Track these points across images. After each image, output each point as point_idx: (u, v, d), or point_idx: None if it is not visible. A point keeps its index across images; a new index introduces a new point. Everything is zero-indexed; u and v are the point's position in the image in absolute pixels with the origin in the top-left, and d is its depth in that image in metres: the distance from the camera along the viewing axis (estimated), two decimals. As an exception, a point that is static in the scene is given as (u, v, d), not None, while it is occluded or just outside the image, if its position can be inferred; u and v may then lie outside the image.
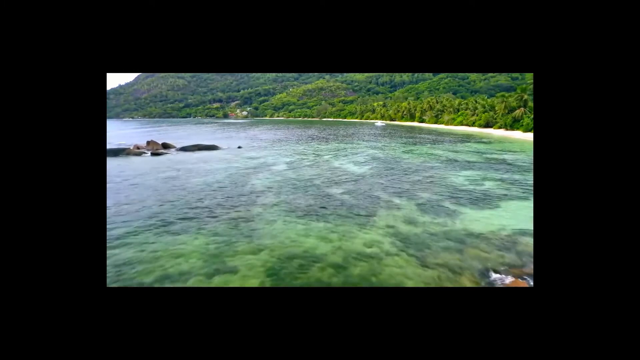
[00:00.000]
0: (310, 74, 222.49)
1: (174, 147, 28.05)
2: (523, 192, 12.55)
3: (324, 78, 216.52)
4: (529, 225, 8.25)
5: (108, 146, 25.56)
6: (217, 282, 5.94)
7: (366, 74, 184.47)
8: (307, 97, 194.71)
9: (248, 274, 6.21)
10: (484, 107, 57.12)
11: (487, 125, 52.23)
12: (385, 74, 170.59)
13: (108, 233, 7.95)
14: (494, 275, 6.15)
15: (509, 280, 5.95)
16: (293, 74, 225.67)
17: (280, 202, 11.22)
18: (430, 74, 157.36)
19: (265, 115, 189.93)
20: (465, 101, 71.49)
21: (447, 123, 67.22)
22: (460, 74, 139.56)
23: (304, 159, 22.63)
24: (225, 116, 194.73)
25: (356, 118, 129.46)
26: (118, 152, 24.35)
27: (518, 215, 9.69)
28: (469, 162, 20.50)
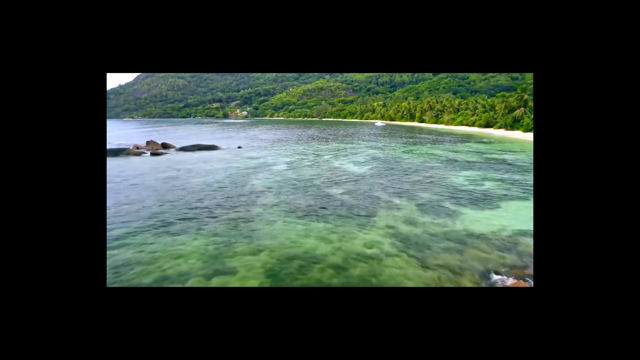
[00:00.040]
0: (310, 74, 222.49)
1: (173, 147, 28.05)
2: (523, 193, 12.55)
3: (324, 78, 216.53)
4: (530, 226, 8.24)
5: (108, 146, 25.56)
6: (217, 283, 5.93)
7: (366, 74, 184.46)
8: (307, 97, 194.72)
9: (247, 274, 6.20)
10: (484, 107, 57.12)
11: (487, 125, 52.23)
12: (385, 74, 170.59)
13: (107, 234, 7.94)
14: (495, 277, 6.11)
15: (510, 281, 5.91)
16: (293, 74, 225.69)
17: (280, 203, 11.22)
18: (430, 74, 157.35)
19: (265, 115, 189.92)
20: (465, 101, 71.49)
21: (447, 123, 67.22)
22: (460, 74, 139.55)
23: (303, 159, 22.63)
24: (225, 116, 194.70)
25: (356, 118, 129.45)
26: (118, 152, 24.35)
27: (518, 216, 9.68)
28: (469, 162, 20.50)
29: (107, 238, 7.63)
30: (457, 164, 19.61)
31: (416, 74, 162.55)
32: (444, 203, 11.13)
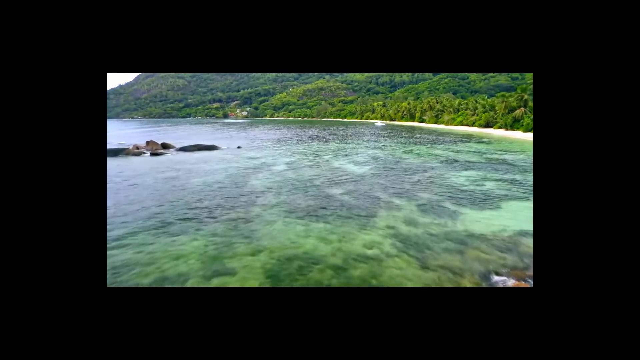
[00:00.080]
0: (310, 74, 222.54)
1: (173, 147, 28.04)
2: (524, 193, 12.55)
3: (324, 78, 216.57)
4: (531, 226, 8.23)
5: (108, 146, 25.55)
6: (216, 284, 5.91)
7: (366, 74, 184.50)
8: (307, 97, 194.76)
9: (247, 275, 6.18)
10: (484, 107, 57.12)
11: (487, 125, 52.22)
12: (385, 74, 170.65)
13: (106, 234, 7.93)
14: (495, 278, 6.08)
15: (511, 282, 5.88)
16: (293, 74, 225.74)
17: (280, 203, 11.22)
18: (430, 74, 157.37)
19: (265, 115, 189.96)
20: (465, 101, 71.49)
21: (447, 123, 67.22)
22: (460, 74, 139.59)
23: (303, 159, 22.63)
24: (225, 116, 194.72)
25: (356, 118, 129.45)
26: (117, 152, 24.34)
27: (519, 216, 9.67)
28: (469, 162, 20.49)
29: (106, 238, 7.62)
30: (457, 164, 19.61)
31: (416, 74, 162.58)
32: (444, 203, 11.12)
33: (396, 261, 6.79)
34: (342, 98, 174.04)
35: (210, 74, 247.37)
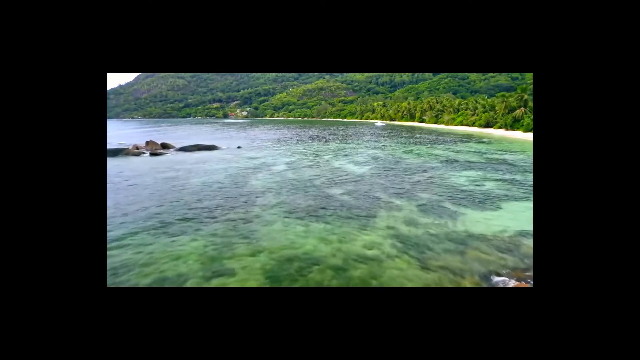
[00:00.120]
0: (310, 74, 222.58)
1: (173, 147, 28.04)
2: (524, 193, 12.54)
3: (324, 78, 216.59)
4: (531, 227, 8.22)
5: (107, 146, 25.54)
6: (215, 285, 5.91)
7: (366, 74, 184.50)
8: (307, 97, 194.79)
9: (246, 276, 6.17)
10: (484, 107, 57.13)
11: (487, 125, 52.22)
12: (385, 74, 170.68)
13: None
14: (496, 279, 6.06)
15: (511, 284, 5.86)
16: (293, 74, 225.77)
17: (280, 203, 11.22)
18: (430, 74, 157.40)
19: (265, 115, 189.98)
20: (465, 101, 71.51)
21: (447, 123, 67.23)
22: (460, 74, 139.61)
23: (303, 159, 22.63)
24: (225, 116, 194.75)
25: (356, 118, 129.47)
26: (117, 152, 24.34)
27: (520, 217, 9.67)
28: (469, 162, 20.50)
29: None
30: (457, 164, 19.61)
31: (416, 74, 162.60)
32: (444, 203, 11.12)
33: (396, 262, 6.79)
34: (342, 98, 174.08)
35: (210, 74, 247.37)
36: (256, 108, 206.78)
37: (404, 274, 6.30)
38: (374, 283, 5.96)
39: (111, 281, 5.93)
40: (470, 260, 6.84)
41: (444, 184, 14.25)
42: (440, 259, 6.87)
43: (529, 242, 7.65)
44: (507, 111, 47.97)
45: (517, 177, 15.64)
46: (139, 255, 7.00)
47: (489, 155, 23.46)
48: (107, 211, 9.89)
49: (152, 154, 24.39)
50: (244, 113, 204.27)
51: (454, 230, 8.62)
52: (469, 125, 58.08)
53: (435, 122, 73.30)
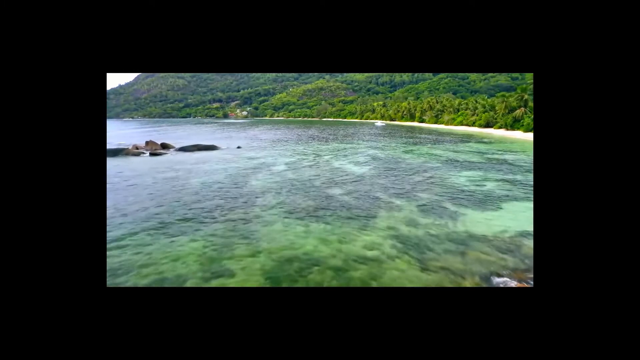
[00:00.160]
0: (310, 74, 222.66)
1: (173, 147, 28.04)
2: (525, 193, 12.54)
3: (324, 78, 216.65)
4: (532, 227, 8.22)
5: (107, 146, 25.53)
6: (215, 285, 5.91)
7: (366, 74, 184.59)
8: (307, 97, 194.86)
9: (246, 277, 6.16)
10: (484, 107, 57.13)
11: (488, 125, 52.22)
12: (385, 74, 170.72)
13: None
14: (497, 280, 6.04)
15: (513, 285, 5.83)
16: (293, 74, 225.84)
17: (280, 204, 11.21)
18: (430, 74, 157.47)
19: (265, 115, 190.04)
20: (465, 101, 71.51)
21: (447, 123, 67.24)
22: (460, 74, 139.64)
23: (303, 159, 22.63)
24: (225, 116, 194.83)
25: (356, 118, 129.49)
26: (117, 153, 24.34)
27: (520, 217, 9.66)
28: (469, 162, 20.49)
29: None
30: (457, 164, 19.61)
31: (416, 74, 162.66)
32: (444, 204, 11.12)
33: (397, 262, 6.78)
34: (342, 98, 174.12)
35: (210, 74, 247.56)
36: (256, 108, 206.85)
37: (405, 274, 6.29)
38: (374, 284, 5.95)
39: (109, 283, 5.92)
40: (471, 261, 6.83)
41: (444, 184, 14.24)
42: (441, 260, 6.86)
43: (530, 243, 7.63)
44: (507, 111, 47.97)
45: (518, 177, 15.64)
46: (137, 256, 6.98)
47: (489, 155, 23.45)
48: (107, 211, 9.89)
49: (151, 154, 24.39)
50: (244, 113, 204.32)
51: (455, 230, 8.61)
52: (469, 125, 58.07)
53: (435, 122, 73.30)
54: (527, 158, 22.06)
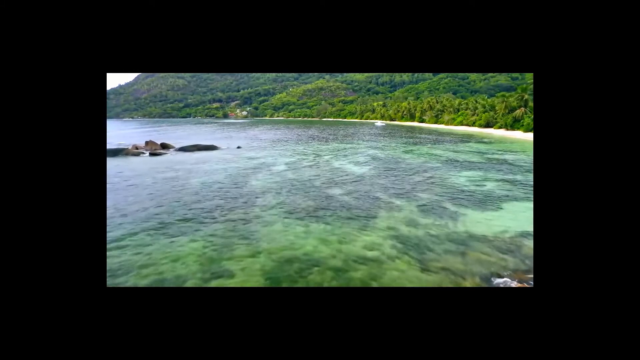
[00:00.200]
0: (310, 74, 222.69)
1: (172, 147, 28.04)
2: (525, 193, 12.54)
3: (324, 78, 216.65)
4: (532, 227, 8.21)
5: (107, 146, 25.53)
6: (214, 285, 5.90)
7: (366, 74, 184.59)
8: (307, 97, 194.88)
9: (245, 277, 6.15)
10: (484, 107, 57.14)
11: (488, 125, 52.23)
12: (385, 74, 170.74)
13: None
14: (497, 280, 6.03)
15: (513, 285, 5.82)
16: (293, 74, 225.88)
17: (280, 204, 11.21)
18: (430, 74, 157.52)
19: (265, 115, 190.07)
20: (465, 101, 71.52)
21: (447, 123, 67.24)
22: (460, 74, 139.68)
23: (303, 159, 22.63)
24: (225, 116, 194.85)
25: (356, 118, 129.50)
26: (116, 153, 24.34)
27: (520, 217, 9.66)
28: (469, 162, 20.49)
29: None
30: (457, 164, 19.61)
31: (416, 74, 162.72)
32: (445, 204, 11.12)
33: (397, 263, 6.78)
34: (342, 98, 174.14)
35: (210, 74, 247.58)
36: (256, 108, 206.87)
37: (405, 275, 6.29)
38: (374, 284, 5.95)
39: (110, 283, 5.92)
40: (471, 261, 6.83)
41: (444, 184, 14.24)
42: (441, 260, 6.86)
43: (530, 243, 7.62)
44: (507, 111, 47.97)
45: (518, 177, 15.64)
46: (137, 257, 6.98)
47: (489, 155, 23.45)
48: (107, 211, 9.88)
49: (151, 154, 24.39)
50: (244, 113, 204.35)
51: (455, 231, 8.61)
52: (469, 125, 58.07)
53: (435, 122, 73.30)
54: (527, 158, 22.06)
